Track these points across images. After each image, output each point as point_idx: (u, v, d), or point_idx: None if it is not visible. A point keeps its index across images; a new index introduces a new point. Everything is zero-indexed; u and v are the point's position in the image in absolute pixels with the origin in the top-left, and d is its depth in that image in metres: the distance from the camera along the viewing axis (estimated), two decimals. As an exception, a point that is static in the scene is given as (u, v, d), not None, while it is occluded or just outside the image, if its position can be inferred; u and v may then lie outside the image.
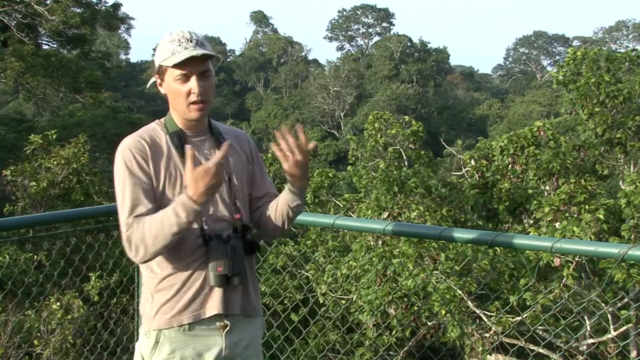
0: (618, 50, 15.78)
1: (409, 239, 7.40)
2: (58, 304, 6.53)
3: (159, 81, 2.13)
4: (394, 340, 8.17)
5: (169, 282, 2.09)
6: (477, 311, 7.75)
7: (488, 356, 7.76)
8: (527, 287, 7.39)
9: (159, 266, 2.10)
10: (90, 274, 7.23)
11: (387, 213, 8.99)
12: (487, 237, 2.39)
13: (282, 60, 64.73)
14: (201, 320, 2.09)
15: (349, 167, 13.08)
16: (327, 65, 63.84)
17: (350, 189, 15.57)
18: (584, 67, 10.97)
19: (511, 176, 10.03)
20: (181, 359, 2.10)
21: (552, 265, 7.06)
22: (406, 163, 12.19)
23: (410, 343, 8.17)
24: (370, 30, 68.80)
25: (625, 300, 7.48)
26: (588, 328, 7.90)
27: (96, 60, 25.64)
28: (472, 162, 10.86)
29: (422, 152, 12.30)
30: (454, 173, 16.46)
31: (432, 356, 5.71)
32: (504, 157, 10.10)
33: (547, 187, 9.85)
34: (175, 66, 2.03)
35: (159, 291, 2.11)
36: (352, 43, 70.21)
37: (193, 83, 2.05)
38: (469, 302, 7.58)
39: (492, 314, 7.62)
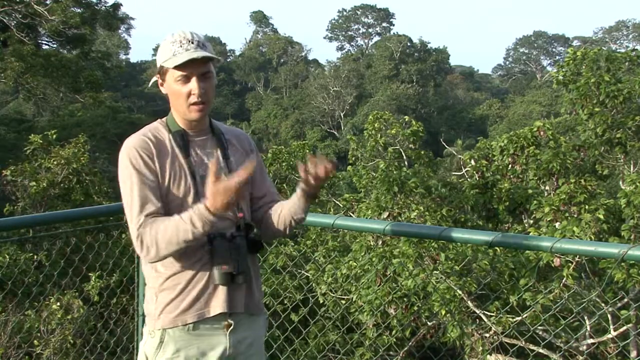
0: (618, 50, 15.76)
1: (409, 239, 7.40)
2: (58, 304, 6.53)
3: (160, 81, 2.14)
4: (394, 340, 8.17)
5: (173, 282, 2.10)
6: (477, 311, 7.75)
7: (488, 356, 7.75)
8: (527, 287, 7.39)
9: (163, 265, 2.10)
10: (90, 274, 7.22)
11: (387, 213, 8.99)
12: (487, 237, 2.39)
13: (282, 60, 64.73)
14: (205, 319, 2.10)
15: (349, 167, 13.09)
16: (327, 65, 63.88)
17: (350, 189, 15.58)
18: (584, 67, 10.97)
19: (511, 176, 10.03)
20: (185, 359, 2.10)
21: (552, 265, 7.06)
22: (406, 163, 12.19)
23: (410, 343, 8.17)
24: (370, 30, 68.81)
25: (625, 300, 7.48)
26: (588, 328, 7.89)
27: (96, 60, 25.64)
28: (472, 162, 10.86)
29: (422, 152, 12.30)
30: (454, 173, 16.45)
31: (432, 356, 5.72)
32: (504, 157, 10.10)
33: (547, 187, 9.85)
34: (176, 67, 2.05)
35: (163, 290, 2.11)
36: (352, 43, 70.26)
37: (193, 84, 2.06)
38: (469, 302, 7.58)
39: (492, 314, 7.62)
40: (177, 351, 2.10)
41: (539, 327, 7.80)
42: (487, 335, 7.75)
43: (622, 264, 6.24)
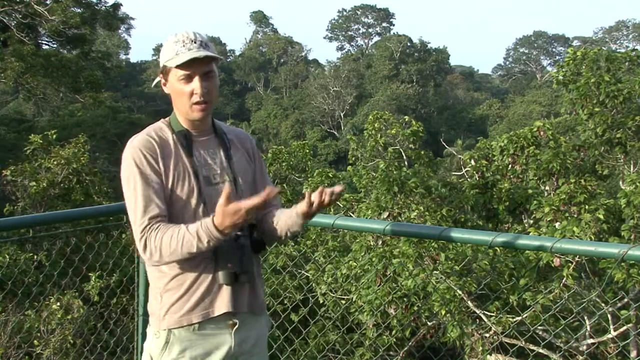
0: (618, 50, 15.77)
1: (409, 239, 7.40)
2: (58, 304, 6.53)
3: (163, 81, 2.15)
4: (394, 340, 8.16)
5: (178, 282, 2.11)
6: (477, 311, 7.75)
7: (488, 356, 7.75)
8: (527, 287, 7.39)
9: (167, 266, 2.10)
10: (90, 274, 7.22)
11: (387, 213, 8.99)
12: (487, 237, 2.39)
13: (282, 60, 64.73)
14: (210, 318, 2.11)
15: (349, 167, 13.09)
16: (327, 65, 63.89)
17: (350, 189, 15.58)
18: (584, 67, 10.97)
19: (511, 176, 10.03)
20: (191, 359, 2.11)
21: (552, 265, 7.05)
22: (406, 163, 12.20)
23: (410, 343, 8.17)
24: (370, 30, 68.81)
25: (625, 300, 7.48)
26: (588, 328, 7.89)
27: (96, 60, 25.64)
28: (472, 162, 10.86)
29: (422, 152, 12.31)
30: (454, 173, 16.46)
31: (432, 356, 5.72)
32: (504, 157, 10.10)
33: (547, 187, 9.85)
34: (179, 67, 2.05)
35: (168, 290, 2.12)
36: (352, 43, 70.25)
37: (196, 84, 2.07)
38: (469, 302, 7.58)
39: (492, 314, 7.62)
40: (182, 351, 2.10)
41: (539, 327, 7.79)
42: (487, 335, 7.75)
43: (622, 264, 6.24)
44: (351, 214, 10.13)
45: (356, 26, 69.21)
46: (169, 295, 2.11)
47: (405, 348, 8.08)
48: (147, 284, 3.24)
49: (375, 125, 12.60)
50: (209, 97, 2.10)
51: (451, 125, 51.77)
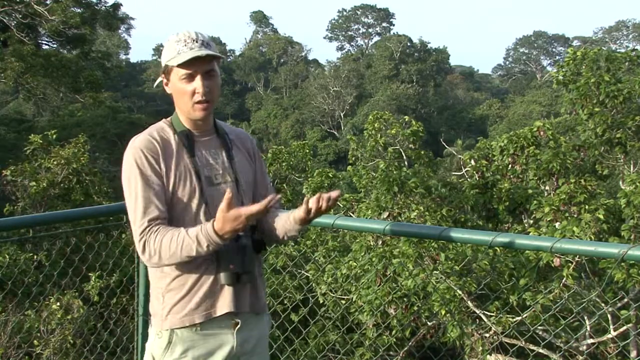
0: (618, 50, 15.76)
1: (409, 239, 7.40)
2: (58, 304, 6.53)
3: (165, 81, 2.15)
4: (394, 340, 8.16)
5: (180, 282, 2.11)
6: (477, 311, 7.75)
7: (488, 356, 7.75)
8: (527, 287, 7.39)
9: (169, 266, 2.11)
10: (90, 274, 7.22)
11: (387, 213, 8.99)
12: (487, 237, 2.39)
13: (282, 60, 64.72)
14: (213, 319, 2.11)
15: (349, 167, 13.08)
16: (327, 65, 63.88)
17: (350, 189, 15.58)
18: (584, 67, 10.97)
19: (511, 176, 10.03)
20: (193, 359, 2.11)
21: (552, 265, 7.05)
22: (406, 163, 12.19)
23: (410, 343, 8.17)
24: (370, 30, 68.80)
25: (625, 300, 7.48)
26: (588, 328, 7.89)
27: (96, 60, 25.64)
28: (472, 162, 10.85)
29: (422, 152, 12.31)
30: (454, 173, 16.46)
31: (432, 356, 5.72)
32: (504, 157, 10.10)
33: (547, 187, 9.85)
34: (181, 66, 2.05)
35: (170, 291, 2.12)
36: (352, 43, 70.24)
37: (198, 83, 2.07)
38: (468, 302, 7.58)
39: (492, 314, 7.62)
40: (185, 351, 2.11)
41: (539, 327, 7.79)
42: (487, 335, 7.75)
43: (622, 264, 6.24)
44: (351, 214, 10.13)
45: (356, 26, 69.22)
46: (171, 296, 2.12)
47: (405, 348, 8.08)
48: (147, 284, 3.26)
49: (375, 125, 12.60)
50: (210, 96, 2.10)
51: (451, 125, 51.77)
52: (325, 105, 52.36)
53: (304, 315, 6.75)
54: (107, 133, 29.40)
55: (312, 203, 2.03)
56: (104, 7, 25.65)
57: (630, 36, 67.54)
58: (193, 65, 2.05)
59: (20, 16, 20.64)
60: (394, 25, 67.92)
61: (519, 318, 7.35)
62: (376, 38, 66.74)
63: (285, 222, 2.16)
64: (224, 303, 2.11)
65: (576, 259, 6.82)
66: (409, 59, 57.14)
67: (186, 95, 2.09)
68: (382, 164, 10.46)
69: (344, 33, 69.70)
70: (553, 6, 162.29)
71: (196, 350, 2.11)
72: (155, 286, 2.18)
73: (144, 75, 60.48)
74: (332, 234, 10.40)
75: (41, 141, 11.45)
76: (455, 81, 64.12)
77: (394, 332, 8.04)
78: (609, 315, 7.59)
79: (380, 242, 8.73)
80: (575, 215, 7.69)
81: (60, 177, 11.04)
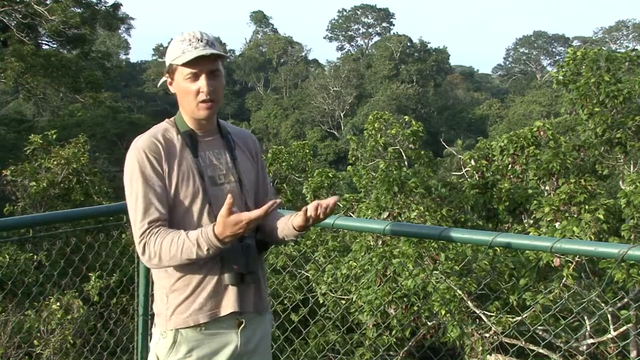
0: (618, 50, 15.76)
1: (409, 239, 7.40)
2: (58, 304, 6.53)
3: (169, 80, 2.15)
4: (394, 340, 8.16)
5: (184, 282, 2.12)
6: (477, 311, 7.75)
7: (488, 356, 7.75)
8: (527, 287, 7.39)
9: (173, 266, 2.11)
10: (90, 274, 7.22)
11: (387, 213, 8.99)
12: (487, 237, 2.39)
13: (282, 60, 64.72)
14: (217, 318, 2.12)
15: (349, 167, 13.08)
16: (327, 65, 63.88)
17: (350, 189, 15.58)
18: (584, 67, 10.97)
19: (511, 176, 10.03)
20: (197, 359, 2.12)
21: (552, 265, 7.05)
22: (406, 163, 12.19)
23: (410, 343, 8.17)
24: (370, 30, 68.79)
25: (625, 300, 7.48)
26: (588, 328, 7.89)
27: (96, 60, 25.64)
28: (472, 162, 10.85)
29: (422, 152, 12.30)
30: (454, 173, 16.46)
31: (432, 356, 5.72)
32: (504, 157, 10.10)
33: (547, 187, 9.85)
34: (185, 64, 2.06)
35: (174, 291, 2.13)
36: (352, 43, 70.24)
37: (202, 82, 2.07)
38: (469, 302, 7.58)
39: (492, 314, 7.62)
40: (189, 351, 2.12)
41: (539, 327, 7.79)
42: (487, 335, 7.75)
43: (622, 264, 6.24)
44: (351, 214, 10.13)
45: (356, 26, 69.21)
46: (175, 296, 2.12)
47: (405, 348, 8.08)
48: (147, 284, 3.26)
49: (375, 125, 12.60)
50: (215, 95, 2.10)
51: (451, 125, 51.77)
52: (325, 105, 52.36)
53: (304, 315, 6.75)
54: (107, 133, 29.42)
55: (311, 212, 2.04)
56: (104, 7, 25.66)
57: (630, 36, 67.55)
58: (198, 65, 2.05)
59: (20, 16, 20.64)
60: (394, 25, 68.00)
61: (519, 318, 7.34)
62: (376, 38, 66.77)
63: (285, 226, 2.17)
64: (229, 303, 2.12)
65: (576, 259, 6.82)
66: (409, 59, 57.14)
67: (190, 94, 2.09)
68: (382, 164, 10.46)
69: (344, 33, 69.69)
70: (553, 6, 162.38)
71: (200, 350, 2.12)
72: (159, 286, 2.18)
73: (144, 75, 60.48)
74: (332, 234, 10.39)
75: (41, 141, 11.45)
76: (455, 81, 64.12)
77: (394, 332, 8.04)
78: (609, 315, 7.59)
79: (380, 242, 8.72)
80: (575, 215, 7.69)
81: (60, 177, 11.04)
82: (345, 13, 69.33)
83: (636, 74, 11.03)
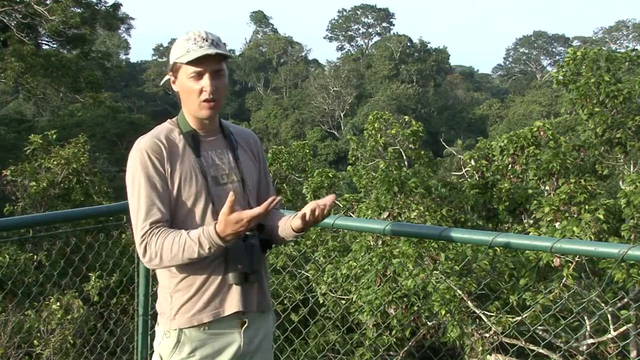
0: (618, 50, 15.76)
1: (409, 239, 7.40)
2: (58, 304, 6.53)
3: (172, 79, 2.15)
4: (394, 340, 8.16)
5: (188, 282, 2.12)
6: (477, 311, 7.75)
7: (488, 356, 7.75)
8: (527, 287, 7.39)
9: (177, 266, 2.11)
10: (90, 274, 7.22)
11: (387, 213, 8.99)
12: (487, 237, 2.39)
13: (282, 60, 64.71)
14: (221, 318, 2.13)
15: (349, 167, 13.08)
16: (327, 65, 63.86)
17: (350, 189, 15.58)
18: (584, 67, 10.96)
19: (511, 176, 10.03)
20: (201, 358, 2.12)
21: (552, 265, 7.06)
22: (406, 163, 12.19)
23: (410, 343, 8.17)
24: (370, 30, 68.78)
25: (625, 300, 7.48)
26: (588, 328, 7.89)
27: (96, 60, 25.63)
28: (472, 162, 10.85)
29: (422, 152, 12.30)
30: (454, 173, 16.46)
31: (432, 356, 5.71)
32: (504, 157, 10.10)
33: (547, 187, 9.85)
34: (190, 63, 2.06)
35: (178, 291, 2.13)
36: (352, 43, 70.22)
37: (206, 81, 2.08)
38: (468, 302, 7.58)
39: (492, 314, 7.62)
40: (193, 351, 2.12)
41: (539, 327, 7.79)
42: (487, 335, 7.75)
43: (622, 264, 6.24)
44: (351, 214, 10.13)
45: (356, 26, 69.20)
46: (179, 296, 2.13)
47: (405, 348, 8.08)
48: (147, 284, 3.26)
49: (375, 125, 12.60)
50: (217, 95, 2.10)
51: (451, 125, 51.76)
52: (325, 105, 52.35)
53: (304, 315, 6.74)
54: (107, 133, 29.42)
55: (309, 213, 2.04)
56: (104, 7, 25.65)
57: (630, 36, 67.55)
58: (202, 64, 2.06)
59: (20, 16, 20.63)
60: (394, 25, 67.97)
61: (519, 318, 7.35)
62: (376, 38, 66.75)
63: (284, 226, 2.17)
64: (232, 302, 2.12)
65: (576, 259, 6.82)
66: (409, 59, 57.14)
67: (193, 93, 2.09)
68: (382, 164, 10.46)
69: (344, 33, 69.69)
70: (553, 6, 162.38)
71: (204, 349, 2.12)
72: (163, 286, 2.18)
73: (144, 75, 60.46)
74: (332, 234, 10.39)
75: (41, 141, 11.45)
76: (455, 81, 64.11)
77: (394, 332, 8.04)
78: (609, 315, 7.59)
79: (380, 242, 8.72)
80: (575, 215, 7.69)
81: (60, 177, 11.04)
82: (345, 13, 69.35)
83: (636, 74, 11.03)
